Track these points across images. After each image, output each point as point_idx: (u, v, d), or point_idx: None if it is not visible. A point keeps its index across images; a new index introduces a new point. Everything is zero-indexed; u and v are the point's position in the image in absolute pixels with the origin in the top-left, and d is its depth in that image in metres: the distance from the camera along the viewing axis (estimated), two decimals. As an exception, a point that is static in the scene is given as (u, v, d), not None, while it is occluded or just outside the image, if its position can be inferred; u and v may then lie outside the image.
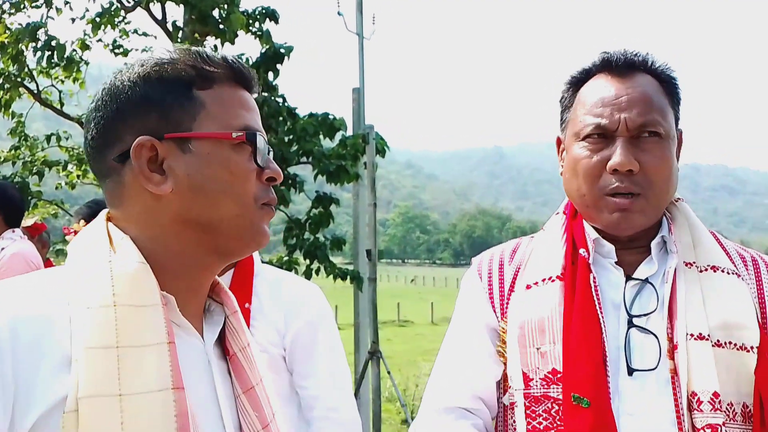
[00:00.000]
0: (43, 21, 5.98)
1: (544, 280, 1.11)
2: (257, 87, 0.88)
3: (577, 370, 1.01)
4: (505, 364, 1.11)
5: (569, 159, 1.12)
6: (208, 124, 0.81)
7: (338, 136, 6.33)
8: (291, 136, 6.05)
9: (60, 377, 0.67)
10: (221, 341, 0.86)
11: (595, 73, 1.14)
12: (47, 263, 3.43)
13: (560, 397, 1.01)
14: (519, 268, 1.17)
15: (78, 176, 7.22)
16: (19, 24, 6.13)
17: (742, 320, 1.01)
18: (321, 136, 6.16)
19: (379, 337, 5.94)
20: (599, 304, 1.05)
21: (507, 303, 1.14)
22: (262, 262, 6.08)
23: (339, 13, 9.49)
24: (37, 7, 6.31)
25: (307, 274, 6.07)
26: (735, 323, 1.00)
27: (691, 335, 1.00)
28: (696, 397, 0.97)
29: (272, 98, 6.06)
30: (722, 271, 1.06)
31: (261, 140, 0.83)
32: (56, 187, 7.64)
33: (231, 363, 0.85)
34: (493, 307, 1.15)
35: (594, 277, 1.07)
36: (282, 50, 6.11)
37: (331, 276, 6.12)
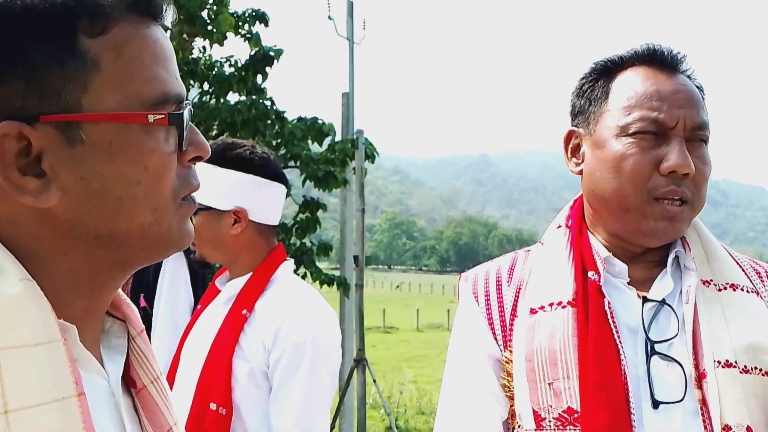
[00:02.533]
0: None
1: (551, 304, 1.00)
2: (168, 6, 0.61)
3: (597, 409, 0.90)
4: (511, 398, 1.00)
5: (607, 156, 0.99)
6: (107, 94, 0.55)
7: (327, 141, 6.28)
8: (279, 140, 5.98)
9: None
10: (125, 371, 0.65)
11: (631, 65, 1.03)
12: None
13: None
14: (519, 289, 1.05)
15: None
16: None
17: (767, 342, 0.93)
18: (309, 141, 6.10)
19: (367, 343, 5.88)
20: (617, 331, 0.95)
21: (510, 330, 1.02)
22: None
23: (330, 18, 9.47)
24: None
25: (293, 280, 6.00)
26: (760, 346, 0.92)
27: (718, 362, 0.91)
28: (731, 431, 0.88)
29: (260, 101, 5.99)
30: (741, 289, 0.98)
31: (186, 114, 0.59)
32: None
33: (139, 399, 0.64)
34: (494, 334, 1.04)
35: (609, 302, 0.97)
36: (271, 53, 6.06)
37: (317, 282, 6.06)
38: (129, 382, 0.65)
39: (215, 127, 6.29)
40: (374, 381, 5.52)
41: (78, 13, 0.54)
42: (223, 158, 1.59)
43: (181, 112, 0.58)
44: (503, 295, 1.07)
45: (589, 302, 0.99)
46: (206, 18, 5.75)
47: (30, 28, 0.52)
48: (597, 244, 1.06)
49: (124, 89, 0.56)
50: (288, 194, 5.94)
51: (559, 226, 1.11)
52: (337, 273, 6.68)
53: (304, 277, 6.03)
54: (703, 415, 0.92)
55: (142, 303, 2.03)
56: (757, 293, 1.00)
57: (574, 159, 1.09)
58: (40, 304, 0.53)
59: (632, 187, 0.98)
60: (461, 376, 1.08)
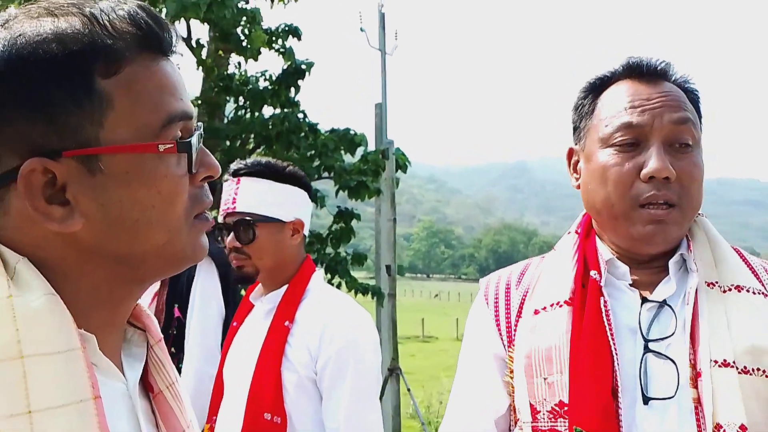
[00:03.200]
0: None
1: (552, 305, 1.04)
2: (177, 41, 0.66)
3: (583, 402, 0.94)
4: (513, 395, 1.05)
5: (594, 167, 1.04)
6: (121, 128, 0.60)
7: (359, 151, 6.35)
8: (312, 152, 6.07)
9: None
10: (143, 377, 0.71)
11: (617, 79, 1.07)
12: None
13: (567, 431, 0.95)
14: (527, 292, 1.10)
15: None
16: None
17: None
18: (342, 152, 6.18)
19: (403, 352, 5.89)
20: (610, 329, 0.98)
21: (514, 330, 1.07)
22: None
23: (362, 29, 9.60)
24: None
25: (328, 290, 6.06)
26: (763, 348, 0.93)
27: (715, 362, 0.92)
28: (721, 430, 0.89)
29: (294, 114, 6.10)
30: (747, 290, 0.98)
31: (195, 139, 0.64)
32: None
33: (156, 403, 0.69)
34: (500, 335, 1.09)
35: (605, 301, 1.00)
36: (303, 66, 6.17)
37: (352, 291, 6.11)
38: (147, 386, 0.70)
39: (251, 140, 6.43)
40: (408, 390, 5.52)
41: (93, 57, 0.59)
42: (280, 174, 1.71)
43: (188, 140, 0.63)
44: (511, 297, 1.12)
45: (586, 301, 1.01)
46: (240, 35, 5.89)
47: (51, 73, 0.57)
48: (602, 247, 1.08)
49: (135, 121, 0.60)
50: (322, 205, 6.00)
51: (569, 232, 1.15)
52: (372, 282, 6.74)
53: (338, 286, 6.10)
54: (697, 413, 0.93)
55: (176, 313, 2.10)
56: (765, 295, 0.99)
57: (574, 175, 1.13)
58: (62, 315, 0.57)
59: (617, 196, 1.01)
60: (468, 372, 1.14)
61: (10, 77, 0.57)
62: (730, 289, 0.99)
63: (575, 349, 0.98)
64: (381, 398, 5.70)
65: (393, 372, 5.61)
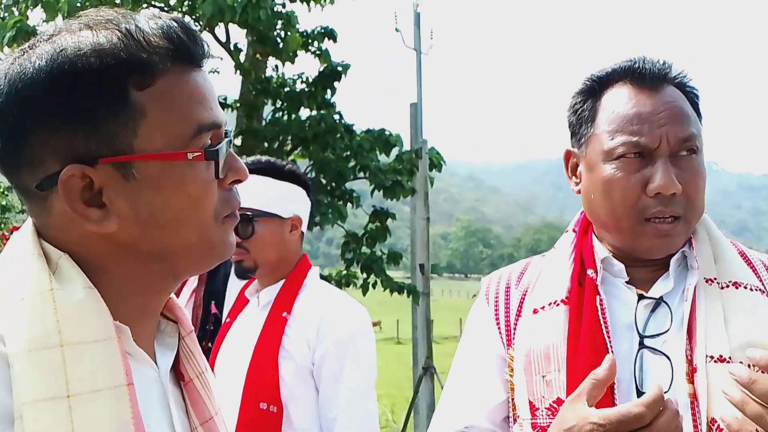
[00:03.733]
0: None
1: (550, 304, 1.05)
2: (209, 53, 0.69)
3: None
4: (513, 391, 1.06)
5: (598, 179, 1.03)
6: (153, 137, 0.63)
7: (394, 151, 6.39)
8: (348, 152, 6.15)
9: None
10: (175, 366, 0.75)
11: (615, 82, 1.05)
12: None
13: None
14: (526, 291, 1.11)
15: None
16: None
17: (766, 340, 0.92)
18: (377, 152, 6.24)
19: (441, 352, 5.91)
20: (606, 326, 0.99)
21: (514, 329, 1.08)
22: (323, 276, 6.04)
23: (397, 30, 9.64)
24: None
25: (364, 288, 6.13)
26: (759, 343, 0.92)
27: (711, 357, 0.93)
28: (716, 425, 0.90)
29: (330, 115, 6.19)
30: (745, 287, 0.99)
31: (223, 146, 0.68)
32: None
33: (186, 390, 0.74)
34: (500, 333, 1.10)
35: (601, 299, 1.01)
36: (339, 68, 6.25)
37: (388, 290, 6.16)
38: (179, 375, 0.75)
39: (289, 142, 6.55)
40: (443, 388, 5.53)
41: (129, 71, 0.63)
42: (280, 172, 1.75)
43: (216, 148, 0.67)
44: (510, 297, 1.13)
45: (583, 299, 1.03)
46: (276, 38, 6.00)
47: (90, 86, 0.62)
48: (599, 245, 1.09)
49: (167, 130, 0.64)
50: (358, 205, 6.05)
51: (567, 231, 1.15)
52: (409, 281, 6.79)
53: (374, 285, 6.16)
54: (693, 408, 0.94)
55: (213, 309, 2.18)
56: (763, 291, 1.00)
57: (573, 178, 1.12)
58: (99, 307, 0.62)
59: (623, 210, 1.01)
60: (466, 368, 1.16)
61: (52, 90, 0.61)
62: (728, 286, 1.00)
63: (572, 347, 1.00)
64: (415, 396, 5.74)
65: (427, 370, 5.64)
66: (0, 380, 0.58)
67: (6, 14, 5.47)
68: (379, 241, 6.27)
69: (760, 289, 1.00)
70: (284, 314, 1.64)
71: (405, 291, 6.10)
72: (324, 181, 6.17)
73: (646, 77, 1.03)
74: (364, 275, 6.11)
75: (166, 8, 6.44)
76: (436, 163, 6.50)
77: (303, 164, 6.53)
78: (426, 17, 8.13)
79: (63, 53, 0.62)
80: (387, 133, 6.26)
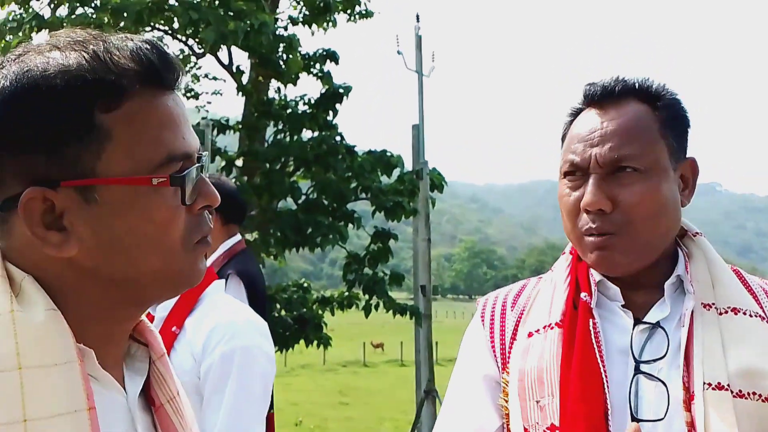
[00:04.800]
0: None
1: (544, 327, 1.04)
2: (181, 76, 0.68)
3: (574, 425, 0.94)
4: (507, 417, 1.04)
5: (558, 196, 1.08)
6: (118, 162, 0.62)
7: (396, 172, 6.40)
8: (349, 173, 6.15)
9: None
10: (145, 390, 0.73)
11: (584, 108, 1.08)
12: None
13: None
14: (522, 314, 1.10)
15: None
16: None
17: (766, 368, 0.91)
18: (379, 173, 6.24)
19: (445, 374, 5.82)
20: (599, 351, 0.98)
21: (509, 353, 1.07)
22: (324, 297, 5.95)
23: (398, 52, 9.72)
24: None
25: (366, 309, 6.09)
26: (759, 371, 0.92)
27: (709, 384, 0.92)
28: None
29: (331, 137, 6.21)
30: (744, 313, 0.97)
31: (192, 171, 0.66)
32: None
33: (157, 416, 0.71)
34: (495, 356, 1.09)
35: (594, 323, 1.00)
36: (341, 90, 6.29)
37: (390, 311, 6.12)
38: (149, 400, 0.72)
39: (291, 163, 6.56)
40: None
41: (94, 93, 0.61)
42: None
43: (182, 174, 0.65)
44: (506, 319, 1.12)
45: (577, 323, 1.01)
46: (278, 61, 6.04)
47: (53, 107, 0.60)
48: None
49: (133, 155, 0.63)
50: (359, 226, 6.03)
51: (564, 253, 1.15)
52: (412, 302, 6.75)
53: (376, 306, 6.12)
54: None
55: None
56: (762, 318, 0.97)
57: None
58: (61, 330, 0.60)
59: (569, 226, 1.06)
60: (460, 393, 1.13)
61: (15, 110, 0.61)
62: (726, 312, 0.98)
63: (565, 371, 0.98)
64: (417, 420, 5.66)
65: (429, 394, 5.56)
66: None
67: (11, 36, 5.53)
68: (381, 262, 6.24)
69: (760, 316, 0.97)
70: (174, 329, 1.57)
71: (407, 313, 6.05)
72: (326, 202, 6.17)
73: (597, 97, 1.06)
74: (366, 297, 6.07)
75: (169, 32, 6.52)
76: (438, 183, 6.49)
77: (305, 185, 6.54)
78: (428, 40, 8.18)
79: (28, 74, 0.61)
80: (388, 154, 6.27)
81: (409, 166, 6.84)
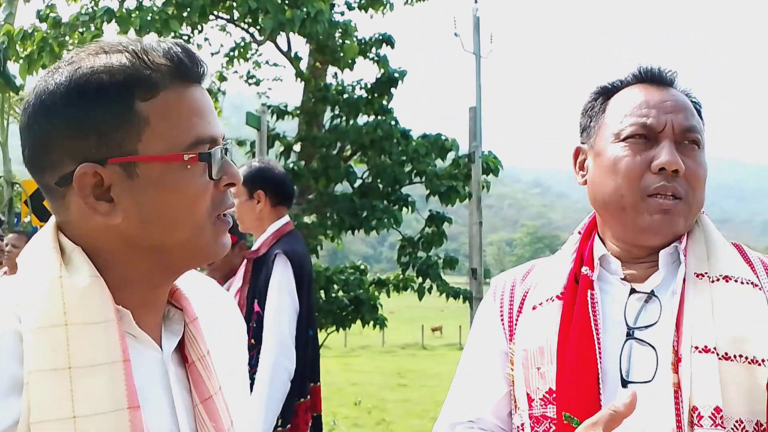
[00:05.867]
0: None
1: (547, 300, 1.10)
2: (206, 72, 0.78)
3: (568, 389, 1.00)
4: (513, 385, 1.11)
5: (605, 161, 1.08)
6: (155, 143, 0.73)
7: (450, 156, 6.40)
8: (404, 158, 6.20)
9: (10, 402, 0.66)
10: (181, 349, 0.82)
11: (627, 85, 1.13)
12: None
13: (556, 417, 1.01)
14: (529, 289, 1.16)
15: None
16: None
17: (754, 332, 0.95)
18: (433, 157, 6.26)
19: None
20: (595, 320, 1.03)
21: (516, 325, 1.13)
22: (380, 279, 6.03)
23: (456, 34, 9.65)
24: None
25: (420, 292, 6.16)
26: (745, 335, 0.95)
27: (696, 348, 0.96)
28: (697, 412, 0.92)
29: (387, 121, 6.26)
30: (736, 280, 1.00)
31: (217, 151, 0.76)
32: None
33: (189, 372, 0.81)
34: (504, 329, 1.16)
35: (593, 294, 1.05)
36: (396, 74, 6.32)
37: (443, 294, 6.17)
38: (183, 358, 0.83)
39: (348, 148, 6.67)
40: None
41: (135, 85, 0.73)
42: None
43: (208, 151, 0.76)
44: (515, 294, 1.18)
45: (577, 295, 1.06)
46: (335, 47, 6.13)
47: (101, 98, 0.72)
48: (599, 245, 1.12)
49: (167, 137, 0.74)
50: (413, 209, 6.07)
51: (573, 233, 1.19)
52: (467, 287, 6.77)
53: (430, 290, 6.18)
54: (676, 397, 0.95)
55: (256, 308, 2.27)
56: (755, 285, 1.00)
57: (581, 172, 1.17)
58: (102, 293, 0.71)
59: (627, 187, 1.04)
60: (471, 363, 1.21)
61: (69, 101, 0.72)
62: (718, 279, 1.01)
63: (563, 340, 1.04)
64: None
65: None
66: (13, 353, 0.67)
67: (84, 29, 5.84)
68: (435, 246, 6.28)
69: (752, 283, 1.00)
70: None
71: (461, 296, 6.08)
72: (381, 187, 6.25)
73: (655, 78, 1.10)
74: (420, 279, 6.13)
75: (230, 21, 6.71)
76: (493, 167, 6.45)
77: (361, 170, 6.64)
78: (485, 21, 8.08)
79: (79, 71, 0.73)
80: (443, 138, 6.28)
81: (466, 149, 6.82)
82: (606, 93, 1.14)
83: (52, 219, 0.77)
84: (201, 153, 0.75)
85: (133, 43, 0.76)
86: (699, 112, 1.11)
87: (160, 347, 0.80)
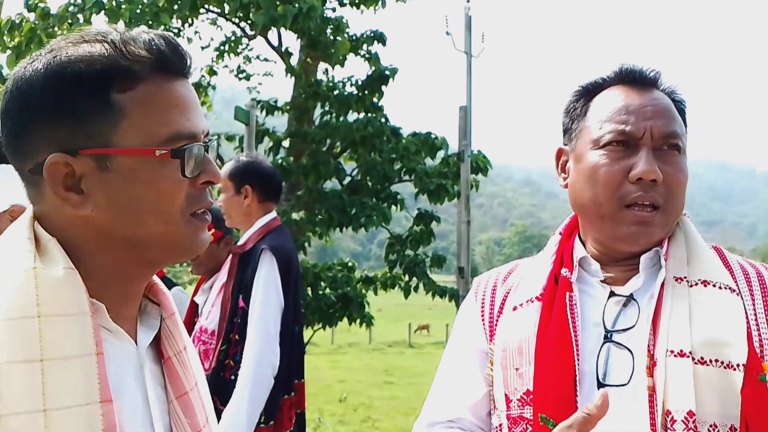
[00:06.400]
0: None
1: (527, 301, 1.10)
2: (191, 65, 0.76)
3: (545, 390, 1.00)
4: (493, 385, 1.10)
5: (584, 167, 1.07)
6: (131, 135, 0.71)
7: (440, 154, 6.41)
8: (394, 155, 6.21)
9: None
10: (157, 344, 0.81)
11: (609, 85, 1.11)
12: (159, 270, 3.76)
13: (533, 418, 1.00)
14: (510, 290, 1.16)
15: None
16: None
17: (730, 337, 0.95)
18: (423, 155, 6.27)
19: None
20: (573, 322, 1.03)
21: (496, 325, 1.13)
22: (368, 277, 6.02)
23: (447, 33, 9.65)
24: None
25: (406, 290, 6.17)
26: (721, 340, 0.95)
27: (671, 352, 0.96)
28: (670, 416, 0.92)
29: (377, 118, 6.26)
30: (714, 285, 1.00)
31: (194, 148, 0.74)
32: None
33: (165, 367, 0.80)
34: (484, 329, 1.15)
35: (571, 295, 1.05)
36: (387, 72, 6.32)
37: (430, 293, 6.18)
38: (159, 353, 0.81)
39: (338, 144, 6.66)
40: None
41: (112, 76, 0.71)
42: None
43: (183, 148, 0.73)
44: (496, 294, 1.18)
45: (556, 296, 1.06)
46: (327, 43, 6.11)
47: (77, 87, 0.70)
48: (579, 246, 1.12)
49: (143, 130, 0.72)
50: (402, 207, 6.07)
51: (554, 233, 1.19)
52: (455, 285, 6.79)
53: (416, 288, 6.19)
54: (651, 401, 0.95)
55: (241, 303, 2.27)
56: (733, 290, 1.00)
57: (562, 174, 1.16)
58: (76, 285, 0.70)
59: (605, 195, 1.04)
60: (452, 363, 1.21)
61: (45, 89, 0.71)
62: (696, 284, 1.01)
63: (541, 341, 1.04)
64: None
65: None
66: None
67: (72, 21, 5.78)
68: (423, 244, 6.29)
69: (730, 288, 1.00)
70: None
71: (447, 295, 6.10)
72: (370, 184, 6.25)
73: (636, 79, 1.08)
74: (406, 278, 6.14)
75: (221, 15, 6.68)
76: (482, 166, 6.46)
77: (350, 167, 6.63)
78: (477, 20, 8.08)
79: (57, 59, 0.72)
80: (433, 136, 6.29)
81: (456, 148, 6.83)
82: (587, 93, 1.13)
83: (30, 209, 0.76)
84: (174, 149, 0.73)
85: (114, 33, 0.74)
86: (683, 112, 1.10)
87: (136, 342, 0.78)
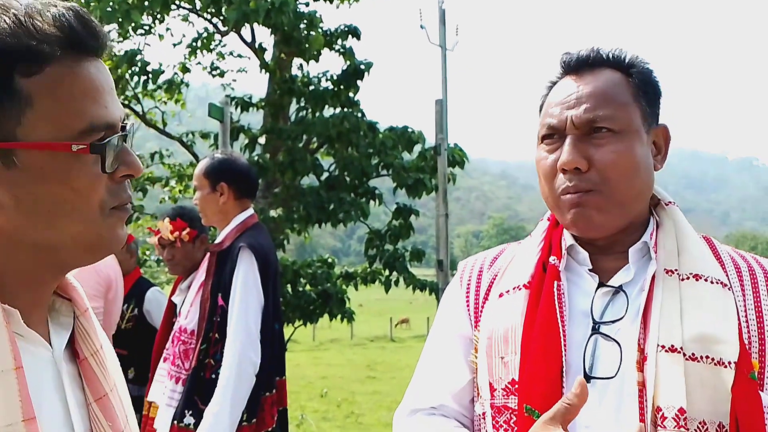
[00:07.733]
0: (139, 48, 6.45)
1: (514, 288, 1.08)
2: (105, 43, 0.66)
3: (531, 381, 0.99)
4: (477, 373, 1.09)
5: (535, 163, 1.10)
6: (39, 127, 0.62)
7: (417, 148, 6.41)
8: (371, 150, 6.19)
9: None
10: (71, 343, 0.73)
11: (561, 77, 1.11)
12: (135, 271, 3.72)
13: (517, 408, 0.99)
14: (496, 276, 1.14)
15: (180, 191, 7.73)
16: (118, 52, 6.61)
17: (721, 333, 0.94)
18: (400, 149, 6.27)
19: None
20: (561, 312, 1.01)
21: (481, 312, 1.12)
22: (348, 272, 6.03)
23: (421, 26, 9.66)
24: (142, 34, 6.87)
25: (386, 285, 6.18)
26: (713, 336, 0.94)
27: (662, 347, 0.94)
28: (660, 413, 0.91)
29: (353, 113, 6.24)
30: (705, 279, 0.99)
31: (114, 140, 0.65)
32: (160, 202, 8.19)
33: (82, 368, 0.72)
34: (469, 315, 1.14)
35: (559, 285, 1.04)
36: (362, 66, 6.29)
37: (411, 287, 6.19)
38: (75, 353, 0.73)
39: (314, 140, 6.62)
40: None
41: (15, 57, 0.60)
42: None
43: (102, 142, 0.65)
44: (481, 281, 1.17)
45: (543, 285, 1.05)
46: (300, 38, 6.07)
47: None
48: (567, 234, 1.11)
49: (54, 121, 0.62)
50: (380, 202, 6.06)
51: (542, 219, 1.19)
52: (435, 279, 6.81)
53: (396, 282, 6.20)
54: (641, 396, 0.94)
55: (220, 302, 2.24)
56: (725, 285, 0.99)
57: None
58: None
59: (547, 188, 1.08)
60: (436, 349, 1.19)
61: None
62: (688, 278, 1.00)
63: (528, 330, 1.03)
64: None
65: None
66: None
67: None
68: (402, 239, 6.29)
69: (722, 282, 0.99)
70: None
71: (427, 288, 6.12)
72: (348, 179, 6.23)
73: (575, 65, 1.09)
74: (387, 272, 6.14)
75: (192, 11, 6.59)
76: (459, 160, 6.48)
77: (327, 162, 6.60)
78: (451, 13, 8.09)
79: None
80: (410, 130, 6.28)
81: (433, 142, 6.84)
82: (547, 89, 1.13)
83: None
84: (93, 144, 0.64)
85: (16, 5, 0.63)
86: (645, 84, 1.06)
87: (50, 344, 0.70)
